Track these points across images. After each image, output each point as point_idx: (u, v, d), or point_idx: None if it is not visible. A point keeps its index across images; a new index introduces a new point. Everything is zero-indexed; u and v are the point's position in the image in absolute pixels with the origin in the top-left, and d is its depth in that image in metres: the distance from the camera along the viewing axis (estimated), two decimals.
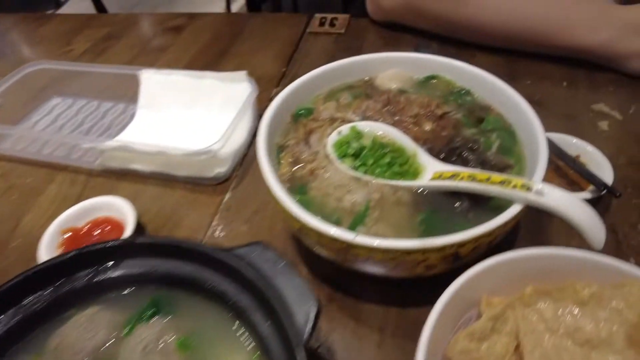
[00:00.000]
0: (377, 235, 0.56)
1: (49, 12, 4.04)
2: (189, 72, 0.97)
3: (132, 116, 1.01)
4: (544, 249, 0.52)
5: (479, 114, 0.71)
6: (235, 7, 3.52)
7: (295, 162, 0.67)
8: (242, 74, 0.93)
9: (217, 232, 0.77)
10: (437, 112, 0.71)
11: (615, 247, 0.70)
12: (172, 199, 0.84)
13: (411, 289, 0.65)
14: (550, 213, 0.52)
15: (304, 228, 0.55)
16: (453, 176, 0.58)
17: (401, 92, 0.77)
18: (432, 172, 0.62)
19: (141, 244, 0.57)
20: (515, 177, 0.54)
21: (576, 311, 0.51)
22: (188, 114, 0.96)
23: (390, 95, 0.75)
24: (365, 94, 0.77)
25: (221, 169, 0.83)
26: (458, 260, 0.54)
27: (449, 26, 1.11)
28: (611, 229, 0.72)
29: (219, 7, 3.58)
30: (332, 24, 1.25)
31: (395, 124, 0.70)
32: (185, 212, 0.82)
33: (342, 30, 1.23)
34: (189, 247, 0.54)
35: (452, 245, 0.50)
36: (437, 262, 0.53)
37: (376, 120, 0.71)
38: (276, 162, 0.67)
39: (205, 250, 0.54)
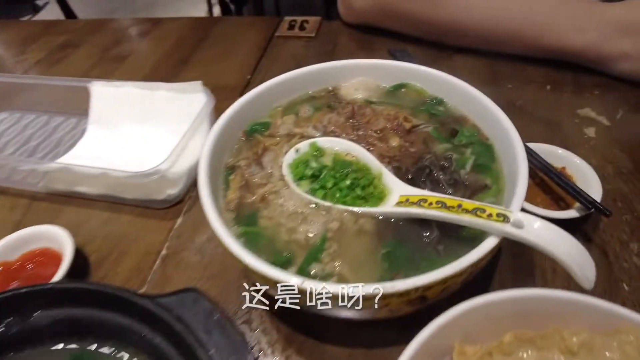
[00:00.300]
0: (333, 274, 0.49)
1: (26, 18, 3.95)
2: (141, 84, 0.89)
3: (83, 132, 0.93)
4: (525, 291, 0.44)
5: (453, 126, 0.64)
6: (217, 11, 3.43)
7: (246, 185, 0.59)
8: (197, 84, 0.85)
9: (166, 264, 0.69)
10: (406, 125, 0.64)
11: (606, 270, 0.63)
12: (119, 225, 0.76)
13: (379, 328, 0.57)
14: (533, 247, 0.45)
15: (247, 269, 0.47)
16: (421, 201, 0.51)
17: (367, 103, 0.69)
18: (397, 196, 0.54)
19: (60, 290, 0.49)
20: (490, 205, 0.47)
21: None
22: (141, 130, 0.88)
23: (355, 107, 0.67)
24: (328, 106, 0.70)
25: (172, 191, 0.75)
26: (425, 302, 0.47)
27: (426, 28, 1.04)
28: (601, 250, 0.66)
29: (202, 11, 3.49)
30: (302, 27, 1.17)
31: (359, 140, 0.63)
32: (133, 239, 0.74)
33: (313, 34, 1.16)
34: (113, 295, 0.47)
35: (416, 289, 0.43)
36: (401, 306, 0.46)
37: (338, 135, 0.64)
38: (224, 186, 0.59)
39: (131, 299, 0.46)
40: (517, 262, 0.65)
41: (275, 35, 1.18)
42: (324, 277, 0.49)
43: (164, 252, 0.71)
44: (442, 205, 0.49)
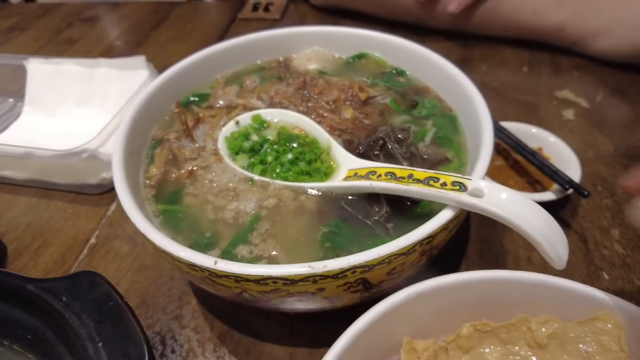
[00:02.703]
0: (263, 256, 0.42)
1: None
2: (80, 61, 0.81)
3: (20, 115, 0.85)
4: (485, 273, 0.37)
5: (413, 98, 0.57)
6: None
7: (174, 160, 0.51)
8: (140, 59, 0.77)
9: (93, 254, 0.61)
10: (361, 96, 0.57)
11: (585, 258, 0.57)
12: (47, 212, 0.68)
13: (325, 321, 0.50)
14: (496, 220, 0.37)
15: (158, 249, 0.39)
16: (369, 174, 0.44)
17: (321, 74, 0.62)
18: (346, 170, 0.47)
19: None
20: (445, 173, 0.39)
21: (531, 357, 0.36)
22: (80, 111, 0.80)
23: (307, 78, 0.60)
24: (277, 77, 0.62)
25: (107, 174, 0.68)
26: (372, 288, 0.39)
27: (394, 7, 0.97)
28: (580, 237, 0.59)
29: None
30: (266, 9, 1.10)
31: (308, 111, 0.56)
32: (59, 227, 0.66)
33: (278, 16, 1.09)
34: None
35: (352, 270, 0.35)
36: (339, 292, 0.38)
37: (286, 107, 0.57)
38: (148, 160, 0.51)
39: (12, 282, 0.38)
40: (487, 250, 0.58)
41: (237, 17, 1.11)
42: (252, 260, 0.41)
43: (92, 241, 0.63)
44: (392, 176, 0.42)
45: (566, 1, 0.84)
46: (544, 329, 0.36)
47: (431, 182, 0.39)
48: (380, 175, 0.43)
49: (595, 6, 0.82)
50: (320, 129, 0.52)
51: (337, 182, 0.45)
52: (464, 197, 0.37)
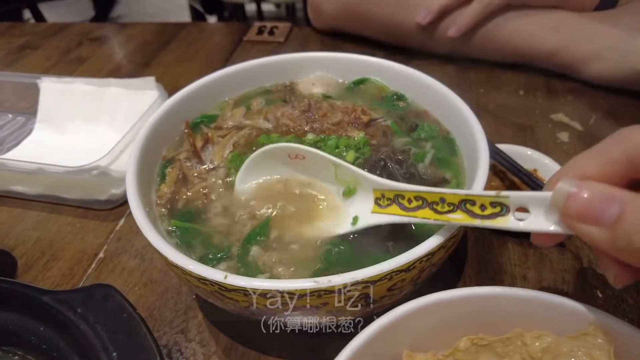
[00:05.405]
0: (268, 272, 0.43)
1: None
2: (92, 80, 0.84)
3: (31, 131, 0.87)
4: (482, 289, 0.39)
5: (413, 121, 0.59)
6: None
7: (183, 179, 0.53)
8: (149, 80, 0.80)
9: (101, 268, 0.63)
10: (363, 118, 0.59)
11: (579, 276, 0.59)
12: (56, 227, 0.70)
13: (327, 336, 0.51)
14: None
15: (169, 264, 0.41)
16: (398, 197, 0.42)
17: (325, 97, 0.65)
18: (371, 190, 0.45)
19: None
20: (480, 194, 0.37)
21: None
22: (90, 128, 0.82)
23: (312, 101, 0.63)
24: (283, 100, 0.65)
25: (116, 190, 0.70)
26: (373, 303, 0.41)
27: (393, 32, 1.01)
28: (574, 255, 0.61)
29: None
30: (271, 33, 1.14)
31: (314, 132, 0.58)
32: (68, 242, 0.67)
33: (282, 39, 1.12)
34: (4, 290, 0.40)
35: (354, 285, 0.37)
36: (342, 307, 0.40)
37: (291, 127, 0.59)
38: (159, 179, 0.53)
39: (21, 292, 0.40)
40: (484, 268, 0.60)
41: (243, 39, 1.14)
42: (258, 275, 0.43)
43: (100, 255, 0.65)
44: (423, 201, 0.40)
45: (560, 27, 0.87)
46: (538, 344, 0.38)
47: (468, 206, 0.37)
48: (410, 200, 0.41)
49: (588, 32, 0.85)
50: (322, 154, 0.48)
51: (374, 217, 0.44)
52: (513, 224, 0.35)
